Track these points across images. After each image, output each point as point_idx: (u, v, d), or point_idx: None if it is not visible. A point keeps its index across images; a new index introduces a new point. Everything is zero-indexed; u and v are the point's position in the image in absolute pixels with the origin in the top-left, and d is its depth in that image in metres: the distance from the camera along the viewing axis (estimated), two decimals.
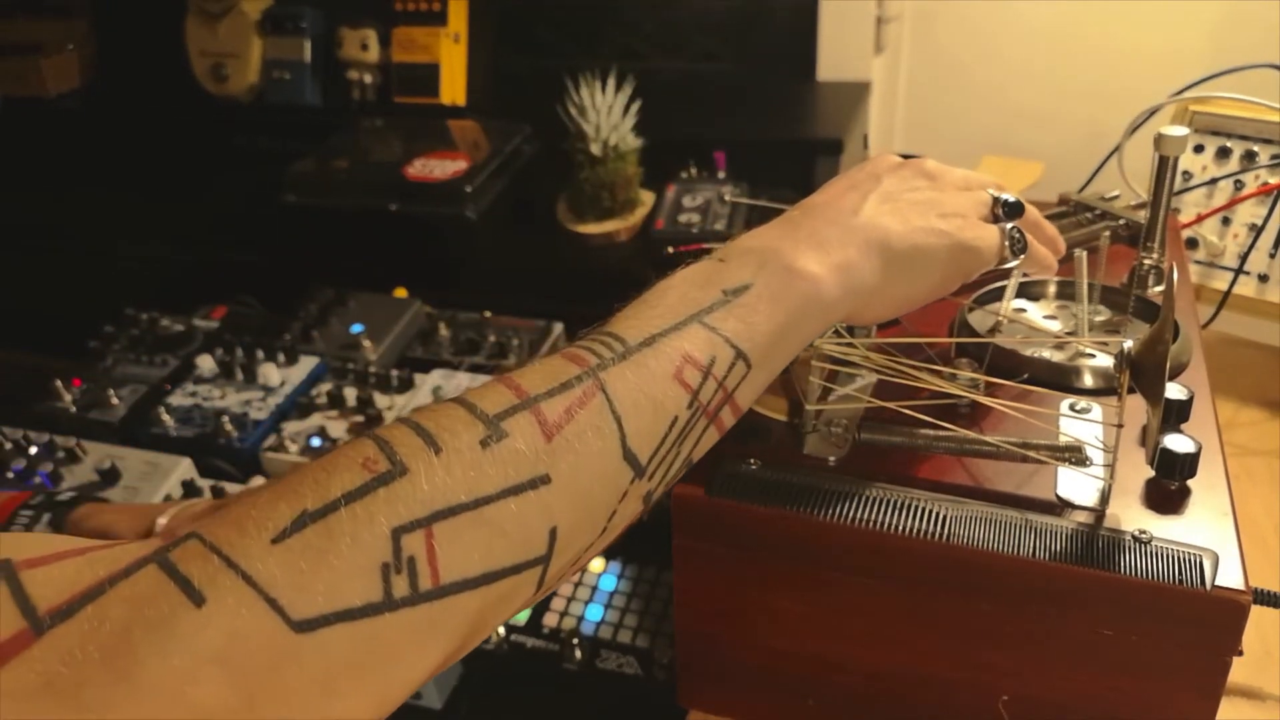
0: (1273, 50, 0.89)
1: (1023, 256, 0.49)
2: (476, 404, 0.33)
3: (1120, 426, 0.44)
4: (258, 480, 0.84)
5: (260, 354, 0.98)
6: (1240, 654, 0.43)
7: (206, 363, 0.98)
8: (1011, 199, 0.50)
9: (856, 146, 1.17)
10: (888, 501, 0.47)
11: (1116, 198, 0.76)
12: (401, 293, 1.11)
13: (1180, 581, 0.42)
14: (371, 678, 0.29)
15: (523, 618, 0.72)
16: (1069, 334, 0.59)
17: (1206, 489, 0.47)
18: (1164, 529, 0.45)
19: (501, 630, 0.71)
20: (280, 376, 0.96)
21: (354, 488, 0.30)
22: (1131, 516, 0.46)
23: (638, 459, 0.36)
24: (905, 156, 0.50)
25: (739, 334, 0.39)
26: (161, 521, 0.55)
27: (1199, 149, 0.86)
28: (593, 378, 0.35)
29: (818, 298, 0.41)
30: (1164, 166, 0.62)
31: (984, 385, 0.52)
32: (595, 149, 1.07)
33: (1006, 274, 0.58)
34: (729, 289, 0.40)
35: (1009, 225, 0.49)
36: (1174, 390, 0.49)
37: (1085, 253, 0.56)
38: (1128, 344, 0.45)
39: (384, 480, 0.30)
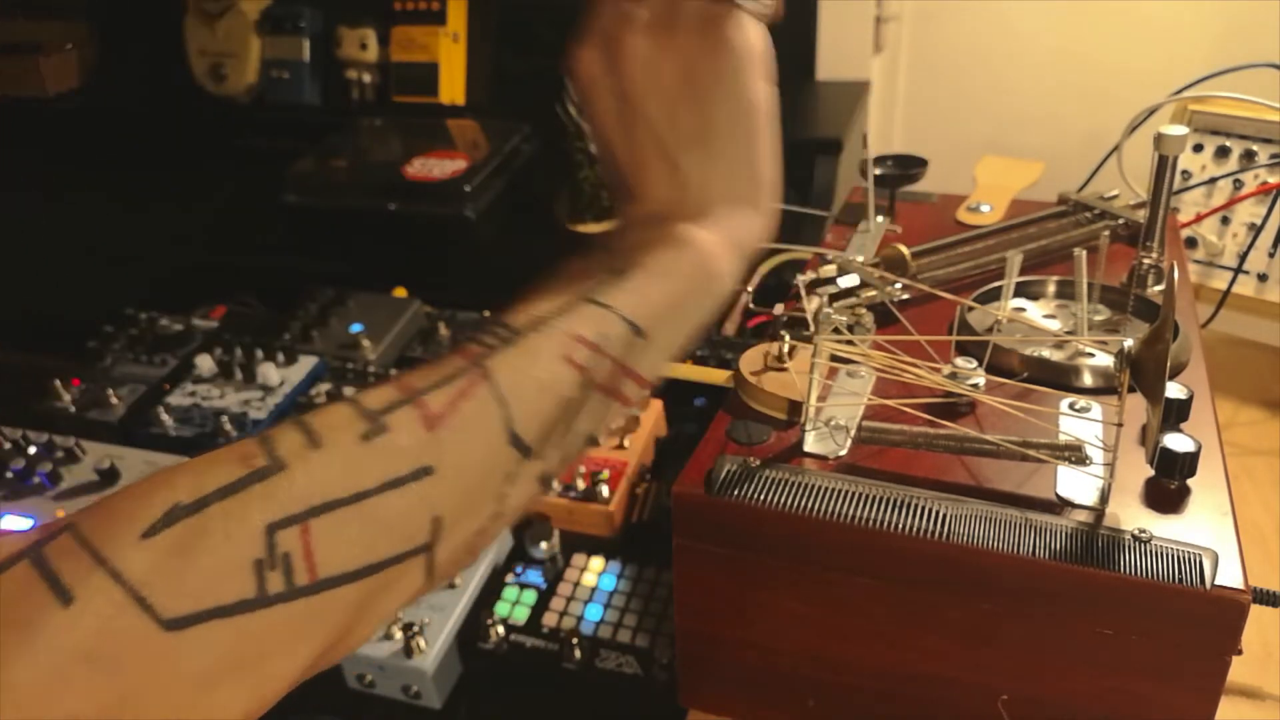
0: (1273, 50, 0.89)
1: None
2: (361, 401, 0.34)
3: (1120, 425, 0.44)
4: None
5: (259, 354, 0.98)
6: (1240, 653, 0.43)
7: (205, 362, 0.98)
8: None
9: (855, 145, 1.17)
10: (888, 500, 0.47)
11: (1116, 197, 0.76)
12: (401, 292, 1.11)
13: (1180, 581, 0.42)
14: (248, 674, 0.29)
15: (522, 617, 0.72)
16: (1068, 333, 0.59)
17: (1206, 488, 0.47)
18: (1163, 528, 0.45)
19: (501, 630, 0.70)
20: (279, 376, 0.95)
21: (228, 483, 0.29)
22: (1131, 515, 0.46)
23: (524, 442, 0.36)
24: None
25: (630, 306, 0.38)
26: None
27: (1198, 148, 0.86)
28: (478, 367, 0.35)
29: (711, 263, 0.41)
30: (1163, 166, 0.62)
31: (984, 384, 0.52)
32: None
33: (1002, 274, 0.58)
34: (620, 266, 0.40)
35: None
36: (1173, 389, 0.49)
37: (1085, 252, 0.56)
38: (1127, 343, 0.44)
39: (260, 476, 0.30)
